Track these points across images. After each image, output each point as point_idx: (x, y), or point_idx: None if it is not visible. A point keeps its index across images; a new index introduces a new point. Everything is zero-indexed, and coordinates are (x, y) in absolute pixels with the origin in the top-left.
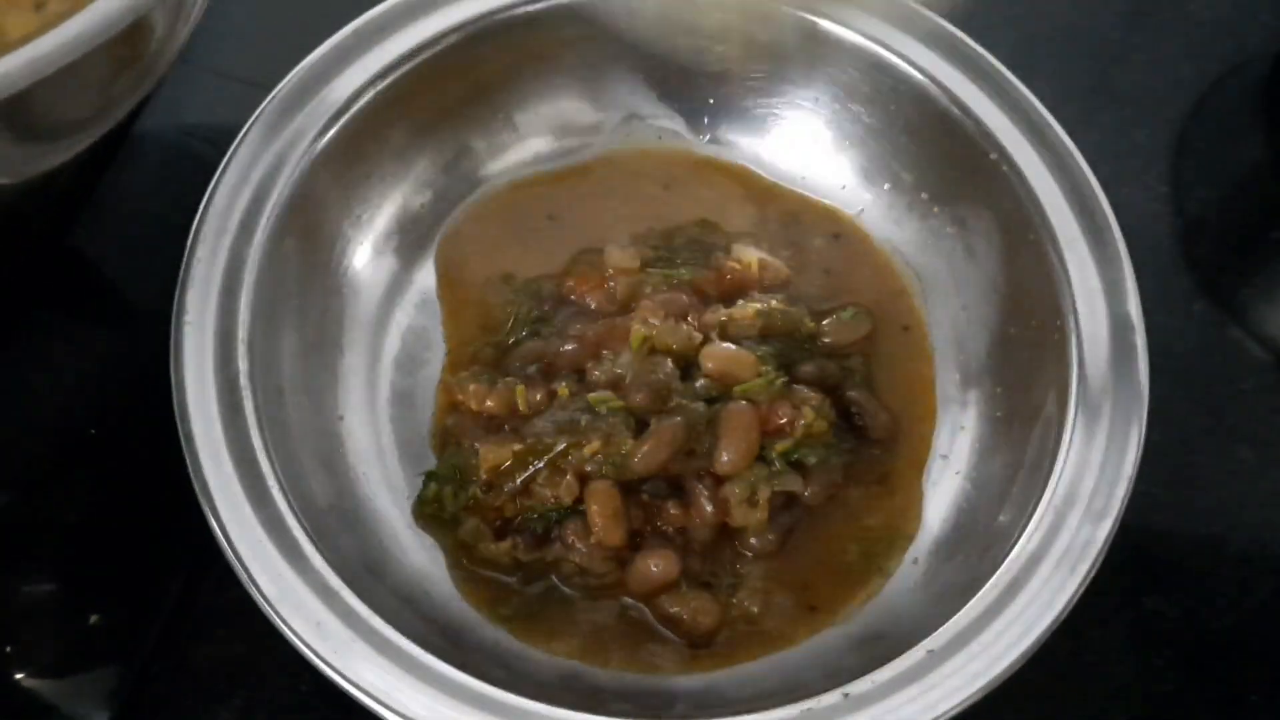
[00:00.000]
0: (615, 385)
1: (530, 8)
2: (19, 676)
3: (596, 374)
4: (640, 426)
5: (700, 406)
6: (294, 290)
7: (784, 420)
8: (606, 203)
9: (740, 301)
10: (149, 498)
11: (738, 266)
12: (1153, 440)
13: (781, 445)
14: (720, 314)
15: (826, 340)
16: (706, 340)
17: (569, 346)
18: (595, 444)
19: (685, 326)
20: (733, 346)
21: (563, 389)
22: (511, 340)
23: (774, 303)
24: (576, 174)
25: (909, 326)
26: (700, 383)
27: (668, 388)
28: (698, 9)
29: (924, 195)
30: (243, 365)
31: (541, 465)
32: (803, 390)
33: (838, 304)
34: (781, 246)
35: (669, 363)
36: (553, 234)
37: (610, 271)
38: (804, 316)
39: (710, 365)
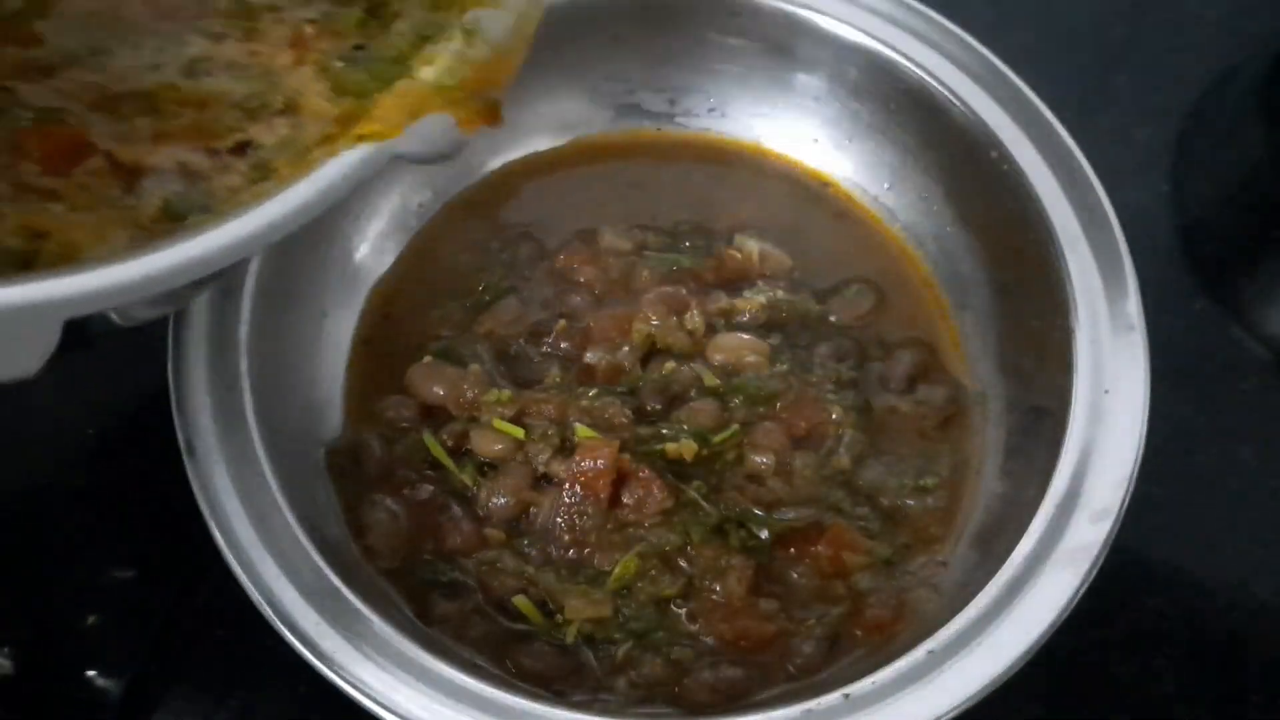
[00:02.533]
0: (614, 376)
1: None
2: (19, 677)
3: (597, 360)
4: (639, 415)
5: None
6: (293, 291)
7: (812, 424)
8: (599, 187)
9: (746, 293)
10: (148, 498)
11: (739, 256)
12: (1153, 440)
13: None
14: (723, 303)
15: (833, 319)
16: (710, 330)
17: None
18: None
19: (687, 320)
20: (744, 336)
21: (551, 376)
22: (487, 299)
23: (779, 292)
24: (569, 160)
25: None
26: (704, 376)
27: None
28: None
29: (924, 195)
30: (243, 366)
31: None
32: (823, 389)
33: (841, 280)
34: (781, 227)
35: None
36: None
37: (604, 251)
38: (809, 301)
39: (720, 357)
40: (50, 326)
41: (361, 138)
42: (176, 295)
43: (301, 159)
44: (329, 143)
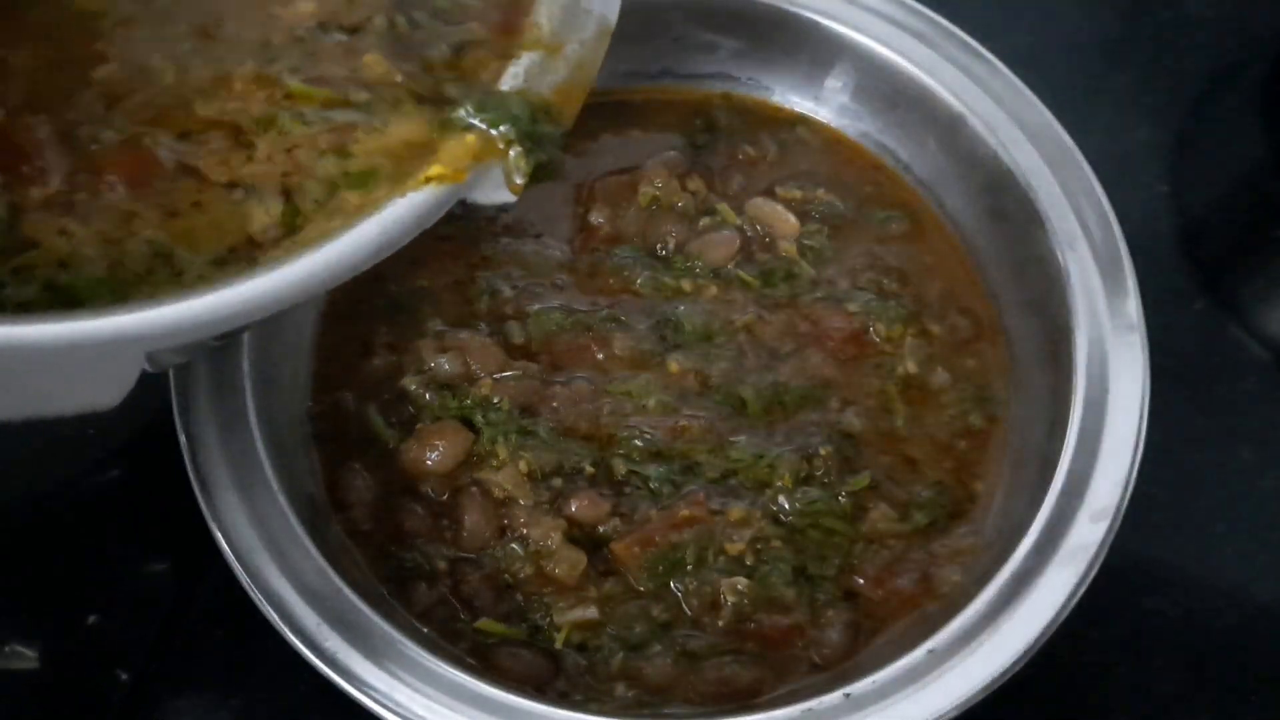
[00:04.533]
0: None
1: None
2: (19, 677)
3: (600, 223)
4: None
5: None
6: None
7: (851, 328)
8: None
9: (779, 188)
10: (149, 498)
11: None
12: (1153, 440)
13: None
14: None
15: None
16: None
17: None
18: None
19: (690, 182)
20: (778, 206)
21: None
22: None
23: (820, 192)
24: None
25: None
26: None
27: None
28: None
29: (923, 195)
30: (245, 367)
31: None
32: (861, 296)
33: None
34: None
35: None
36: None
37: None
38: (840, 205)
39: (751, 214)
40: (133, 359)
41: (429, 180)
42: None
43: (369, 196)
44: (397, 183)
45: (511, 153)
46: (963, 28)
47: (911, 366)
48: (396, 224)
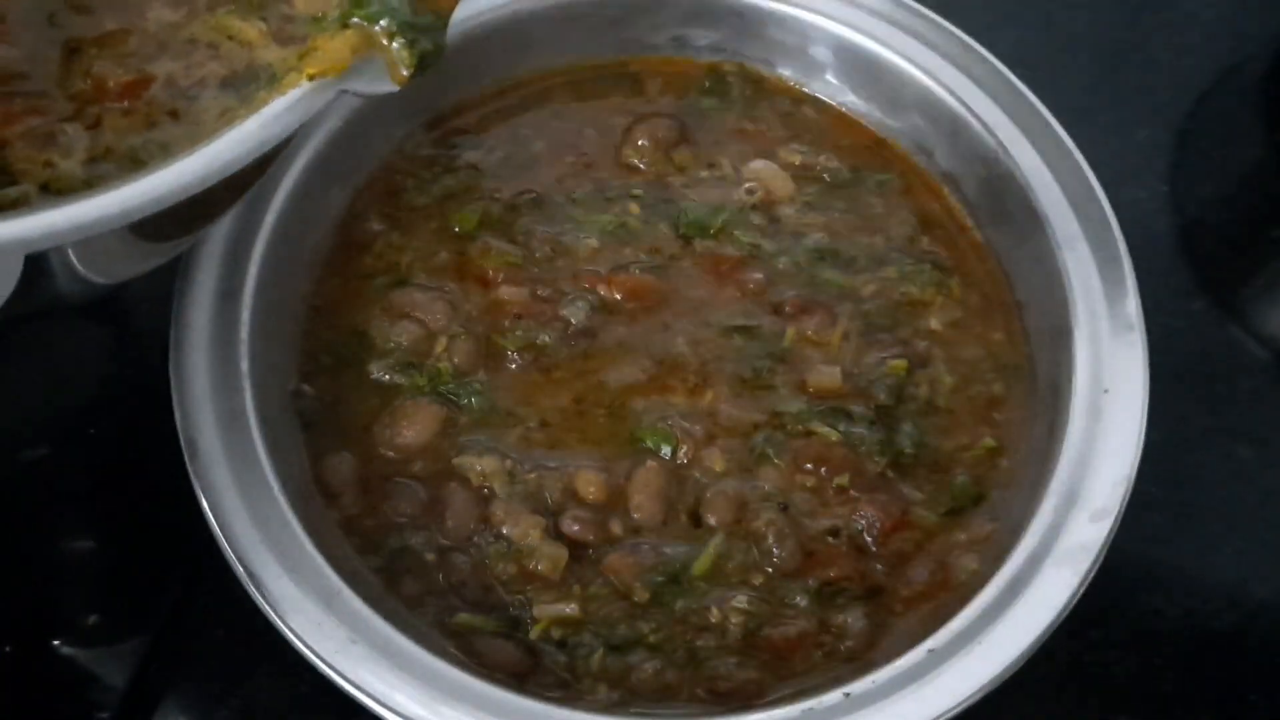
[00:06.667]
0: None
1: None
2: (19, 677)
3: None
4: None
5: None
6: (295, 289)
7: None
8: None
9: (780, 150)
10: (149, 498)
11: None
12: (1153, 440)
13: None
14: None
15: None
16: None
17: None
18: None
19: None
20: (776, 166)
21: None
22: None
23: (822, 156)
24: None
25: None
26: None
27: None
28: None
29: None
30: (243, 365)
31: None
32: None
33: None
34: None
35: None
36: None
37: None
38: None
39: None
40: (10, 262)
41: (310, 77)
42: (153, 242)
43: (253, 98)
44: (277, 83)
45: (394, 45)
46: (963, 28)
47: (935, 325)
48: (276, 119)
